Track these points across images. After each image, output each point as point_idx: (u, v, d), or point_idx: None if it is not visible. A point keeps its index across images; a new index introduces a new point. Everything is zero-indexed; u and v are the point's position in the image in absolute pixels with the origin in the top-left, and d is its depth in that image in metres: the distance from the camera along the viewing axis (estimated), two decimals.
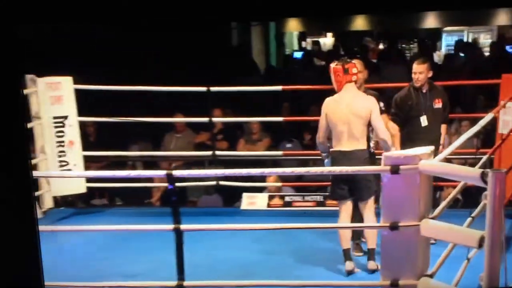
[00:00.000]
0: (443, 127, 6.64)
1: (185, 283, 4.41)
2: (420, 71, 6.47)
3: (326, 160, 5.77)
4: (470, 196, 6.09)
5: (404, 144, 6.24)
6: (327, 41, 17.59)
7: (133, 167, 8.96)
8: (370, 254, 5.64)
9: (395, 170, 4.22)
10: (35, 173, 7.26)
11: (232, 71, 11.41)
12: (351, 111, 5.55)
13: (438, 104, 6.54)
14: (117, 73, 9.05)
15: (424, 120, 6.51)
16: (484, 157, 5.47)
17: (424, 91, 6.53)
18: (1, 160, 2.36)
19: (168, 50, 12.85)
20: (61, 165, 7.73)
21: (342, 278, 5.65)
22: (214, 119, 7.88)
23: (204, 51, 13.46)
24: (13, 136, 2.36)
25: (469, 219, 4.91)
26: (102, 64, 10.38)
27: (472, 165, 5.09)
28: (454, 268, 4.70)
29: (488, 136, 6.89)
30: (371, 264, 5.57)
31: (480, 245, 3.85)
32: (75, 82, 7.75)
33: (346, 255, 5.68)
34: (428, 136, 6.29)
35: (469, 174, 4.15)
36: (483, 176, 3.78)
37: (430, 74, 6.51)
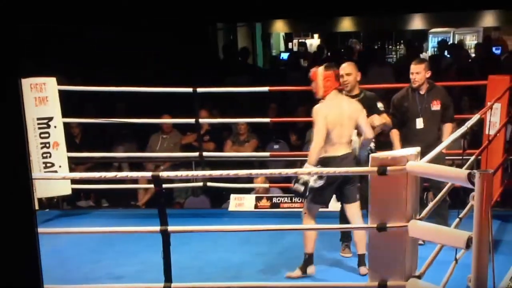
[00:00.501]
0: (448, 127, 6.46)
1: (173, 285, 4.40)
2: (417, 71, 6.36)
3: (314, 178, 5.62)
4: (457, 197, 6.12)
5: (403, 145, 6.23)
6: (314, 42, 17.64)
7: (119, 169, 8.94)
8: (360, 259, 5.65)
9: (382, 171, 4.22)
10: None
11: (220, 72, 11.45)
12: (347, 115, 5.57)
13: (436, 106, 6.41)
14: (105, 74, 9.06)
15: (420, 123, 6.43)
16: (471, 158, 5.46)
17: (422, 92, 6.42)
18: (1, 160, 2.33)
19: (155, 52, 12.86)
20: (46, 166, 7.68)
21: (331, 279, 5.65)
22: (201, 120, 7.85)
23: (191, 54, 13.48)
24: (13, 136, 2.33)
25: (457, 220, 4.96)
26: (88, 65, 10.37)
27: (459, 166, 5.08)
28: (443, 269, 4.70)
29: (475, 137, 6.90)
30: (363, 270, 5.56)
31: (468, 245, 3.85)
32: (59, 83, 7.71)
33: (310, 259, 5.69)
34: (425, 139, 6.21)
35: (456, 175, 4.15)
36: (470, 177, 3.77)
37: (429, 74, 6.39)
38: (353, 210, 5.64)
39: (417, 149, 4.53)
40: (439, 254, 4.63)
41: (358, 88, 6.31)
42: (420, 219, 4.29)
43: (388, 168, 4.21)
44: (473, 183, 3.75)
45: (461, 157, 5.36)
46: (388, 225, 4.23)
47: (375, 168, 4.26)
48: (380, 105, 6.30)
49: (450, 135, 6.04)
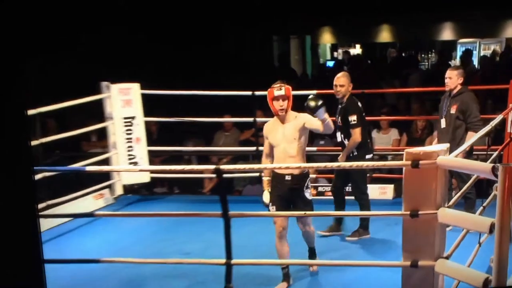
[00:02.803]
0: (469, 135, 6.06)
1: (232, 261, 4.39)
2: (449, 76, 6.21)
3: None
4: (481, 188, 5.95)
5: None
6: (356, 51, 17.50)
7: (189, 161, 8.98)
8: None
9: (415, 164, 4.12)
10: (107, 168, 7.41)
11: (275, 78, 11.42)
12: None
13: (453, 110, 6.20)
14: (179, 80, 9.12)
15: (442, 123, 6.29)
16: (495, 154, 5.32)
17: (451, 95, 6.25)
18: (3, 162, 2.22)
19: (220, 62, 12.92)
20: (129, 158, 7.83)
21: (369, 258, 5.57)
22: (258, 119, 7.81)
23: (251, 61, 13.51)
24: (16, 134, 2.22)
25: (481, 208, 4.83)
26: (164, 73, 10.45)
27: (484, 160, 4.97)
28: (468, 251, 4.62)
29: (498, 135, 6.70)
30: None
31: (491, 230, 3.73)
32: (141, 88, 7.88)
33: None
34: (444, 138, 6.11)
35: (482, 168, 4.01)
36: (494, 170, 3.65)
37: (461, 80, 6.20)
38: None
39: (447, 145, 4.42)
40: (464, 238, 4.51)
41: (348, 96, 6.15)
42: (448, 207, 4.19)
43: (420, 162, 4.09)
44: (496, 176, 3.64)
45: (485, 153, 5.25)
46: (419, 212, 4.12)
47: (409, 162, 4.15)
48: (351, 118, 6.08)
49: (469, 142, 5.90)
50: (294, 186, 4.99)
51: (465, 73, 6.48)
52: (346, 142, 6.13)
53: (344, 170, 5.97)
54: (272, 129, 5.07)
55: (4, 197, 2.21)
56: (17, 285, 2.24)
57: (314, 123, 4.95)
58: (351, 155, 6.07)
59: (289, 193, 5.01)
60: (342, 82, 6.08)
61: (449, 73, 6.25)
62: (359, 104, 6.17)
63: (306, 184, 5.03)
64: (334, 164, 5.59)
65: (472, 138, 5.95)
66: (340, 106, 6.20)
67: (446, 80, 6.24)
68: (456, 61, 15.65)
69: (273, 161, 5.10)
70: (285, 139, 4.97)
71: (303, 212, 4.97)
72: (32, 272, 2.23)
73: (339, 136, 6.23)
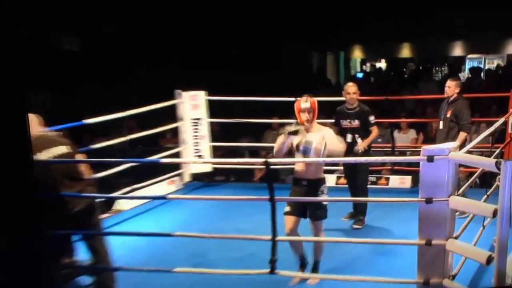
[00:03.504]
0: (461, 135, 5.94)
1: (277, 238, 4.35)
2: (448, 86, 6.13)
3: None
4: (485, 180, 5.80)
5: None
6: (382, 65, 17.27)
7: (242, 155, 9.01)
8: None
9: (430, 159, 4.03)
10: (177, 160, 7.52)
11: (314, 86, 11.35)
12: None
13: (448, 114, 6.08)
14: (237, 87, 9.16)
15: (440, 124, 6.18)
16: (497, 150, 5.27)
17: (448, 102, 6.15)
18: (1, 161, 1.95)
19: (272, 72, 12.92)
20: (196, 152, 7.89)
21: (389, 238, 5.47)
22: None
23: (295, 73, 13.48)
24: (17, 134, 1.97)
25: (485, 196, 4.73)
26: (225, 81, 10.47)
27: (488, 156, 4.86)
28: (473, 233, 4.53)
29: (500, 135, 6.53)
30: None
31: (494, 215, 3.65)
32: (207, 95, 7.96)
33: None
34: (441, 137, 6.02)
35: (487, 163, 3.93)
36: (497, 164, 3.58)
37: (457, 90, 6.09)
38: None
39: (457, 143, 4.35)
40: (470, 222, 4.48)
41: (357, 102, 6.00)
42: (458, 195, 4.09)
43: (435, 157, 4.00)
44: (499, 169, 3.57)
45: (489, 150, 5.14)
46: (434, 199, 4.02)
47: (425, 157, 4.06)
48: (371, 118, 5.93)
49: (460, 141, 5.70)
50: (309, 191, 4.60)
51: (462, 84, 6.41)
52: (359, 141, 5.86)
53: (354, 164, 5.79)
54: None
55: (4, 195, 1.98)
56: (16, 284, 1.99)
57: (332, 140, 4.64)
58: (365, 149, 5.85)
59: (305, 196, 4.62)
60: (354, 90, 5.96)
61: (448, 83, 6.17)
62: None
63: (321, 189, 4.62)
64: (361, 159, 5.34)
65: (462, 137, 5.85)
66: (351, 111, 5.98)
67: (445, 89, 6.15)
68: (465, 73, 15.30)
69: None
70: None
71: (319, 198, 4.60)
72: (30, 270, 1.98)
73: (349, 137, 5.91)
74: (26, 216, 1.95)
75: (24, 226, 1.92)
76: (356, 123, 5.94)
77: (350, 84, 6.12)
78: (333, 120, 6.18)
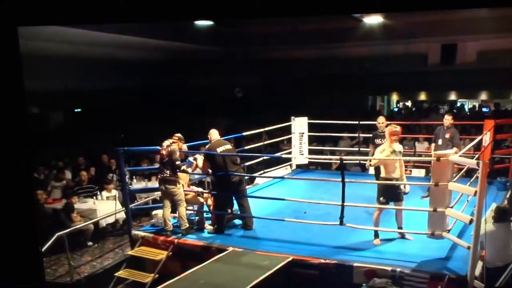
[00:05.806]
0: (455, 149, 5.42)
1: (345, 203, 4.05)
2: (446, 119, 5.85)
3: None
4: (470, 173, 5.32)
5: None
6: (408, 103, 16.41)
7: (323, 153, 8.67)
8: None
9: (438, 159, 3.97)
10: (289, 155, 7.23)
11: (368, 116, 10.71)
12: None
13: (447, 135, 5.74)
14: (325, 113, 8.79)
15: (439, 142, 5.82)
16: (476, 155, 5.20)
17: (445, 128, 5.81)
18: (1, 162, 1.36)
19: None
20: (300, 151, 7.62)
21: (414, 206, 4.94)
22: (361, 135, 7.45)
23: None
24: (16, 136, 1.36)
25: (469, 182, 4.59)
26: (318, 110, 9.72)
27: (471, 158, 4.59)
28: (462, 204, 4.37)
29: (478, 146, 6.11)
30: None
31: (475, 194, 3.60)
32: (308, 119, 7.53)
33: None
34: (439, 150, 5.48)
35: (471, 162, 3.90)
36: (478, 164, 3.55)
37: (452, 121, 5.84)
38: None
39: (455, 149, 4.19)
40: (460, 197, 4.27)
41: (385, 128, 5.18)
42: (453, 182, 3.98)
43: (441, 158, 3.95)
44: (479, 166, 3.51)
45: (472, 155, 4.82)
46: (439, 184, 3.98)
47: (435, 158, 4.00)
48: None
49: (454, 153, 5.27)
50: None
51: (455, 117, 6.07)
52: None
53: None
54: (384, 148, 4.40)
55: (4, 196, 1.39)
56: (17, 278, 1.37)
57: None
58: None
59: (392, 190, 4.32)
60: (383, 120, 5.81)
61: (446, 116, 5.93)
62: None
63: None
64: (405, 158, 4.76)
65: (453, 150, 5.40)
66: (382, 134, 5.54)
67: (444, 120, 5.89)
68: (455, 109, 14.21)
69: None
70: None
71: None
72: (31, 265, 1.36)
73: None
74: (26, 216, 1.36)
75: (24, 226, 1.34)
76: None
77: (380, 117, 6.01)
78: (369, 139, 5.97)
